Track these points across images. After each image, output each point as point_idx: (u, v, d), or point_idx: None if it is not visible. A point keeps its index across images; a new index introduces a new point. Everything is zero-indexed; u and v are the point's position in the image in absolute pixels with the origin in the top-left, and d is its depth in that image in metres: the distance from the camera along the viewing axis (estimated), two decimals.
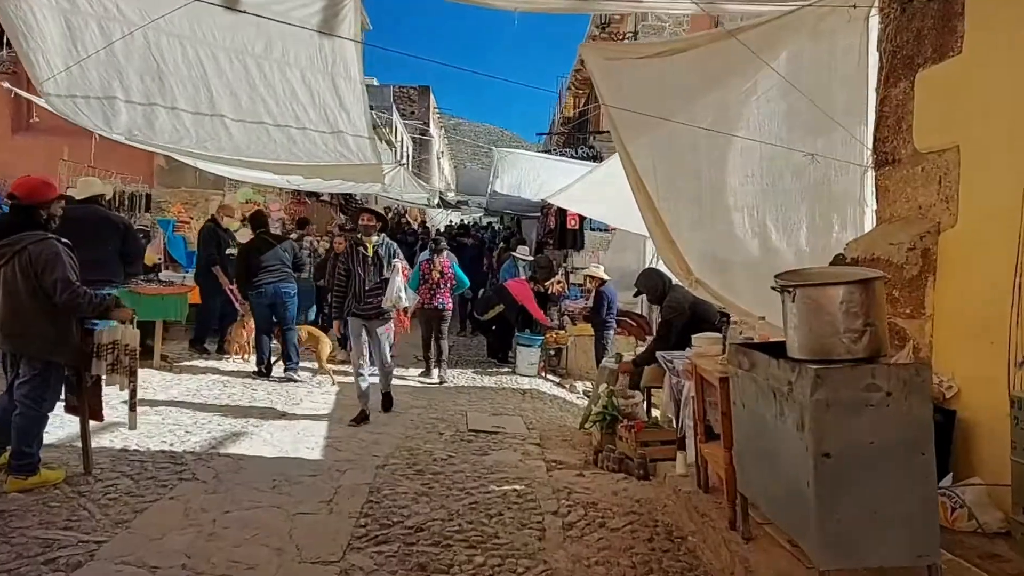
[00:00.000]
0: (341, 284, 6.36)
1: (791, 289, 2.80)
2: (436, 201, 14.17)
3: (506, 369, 9.95)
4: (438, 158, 41.60)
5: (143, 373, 7.37)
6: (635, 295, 6.41)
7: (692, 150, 4.94)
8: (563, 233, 12.89)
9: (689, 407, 4.44)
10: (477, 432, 6.16)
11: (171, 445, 5.01)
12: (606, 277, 9.30)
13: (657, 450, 5.14)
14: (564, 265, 12.50)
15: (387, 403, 6.72)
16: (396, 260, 6.33)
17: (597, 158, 12.62)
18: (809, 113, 4.87)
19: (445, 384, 8.95)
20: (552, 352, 10.59)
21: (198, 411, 6.10)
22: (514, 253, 11.63)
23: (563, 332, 10.65)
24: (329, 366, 7.96)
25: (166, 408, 6.12)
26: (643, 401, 5.94)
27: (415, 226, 22.54)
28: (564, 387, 9.76)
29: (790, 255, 4.89)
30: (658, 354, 5.06)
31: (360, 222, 6.63)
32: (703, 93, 5.00)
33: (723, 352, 4.24)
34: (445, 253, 9.45)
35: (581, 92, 20.55)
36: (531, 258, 11.95)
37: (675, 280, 5.32)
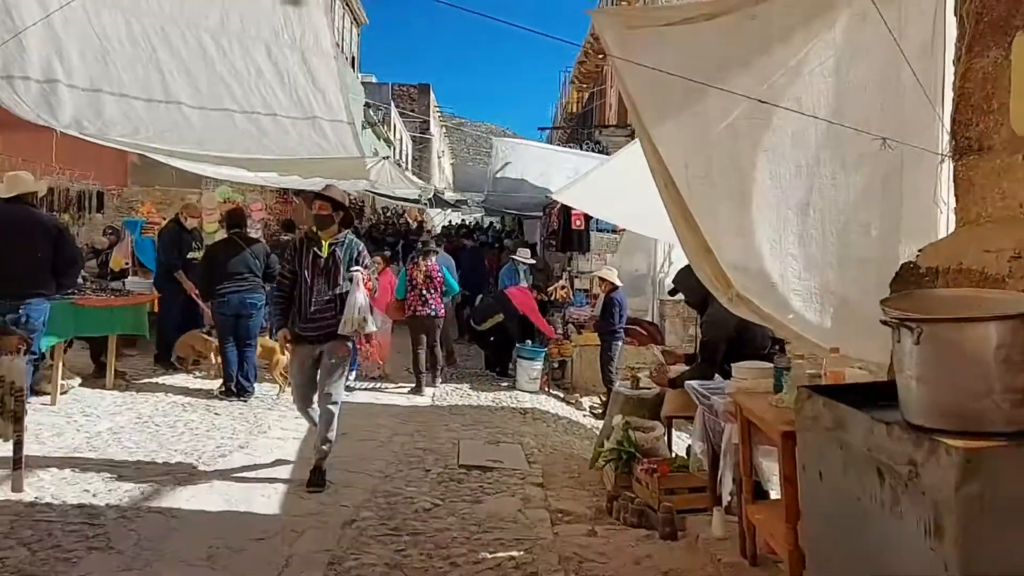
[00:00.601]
0: (284, 287, 4.81)
1: (914, 325, 1.90)
2: (428, 197, 13.27)
3: (505, 383, 9.08)
4: (439, 157, 40.75)
5: (92, 394, 6.53)
6: (671, 292, 5.37)
7: (730, 136, 4.04)
8: (567, 234, 11.98)
9: (730, 456, 3.55)
10: (470, 468, 5.27)
11: (94, 496, 4.11)
12: (618, 283, 8.39)
13: (685, 499, 4.26)
14: (568, 269, 11.59)
15: (316, 479, 4.58)
16: (356, 268, 4.70)
17: (604, 153, 11.74)
18: (875, 91, 3.99)
19: (435, 393, 8.14)
20: (555, 364, 9.72)
21: (142, 444, 5.21)
22: (514, 256, 10.74)
23: (568, 342, 9.77)
24: (282, 377, 7.15)
25: (105, 441, 5.22)
26: (664, 434, 5.06)
27: (412, 223, 21.61)
28: (569, 403, 8.89)
29: (853, 265, 4.01)
30: (689, 385, 4.15)
31: (312, 210, 4.90)
32: (742, 68, 4.10)
33: (775, 389, 3.35)
34: (433, 257, 8.59)
35: (585, 86, 19.67)
36: (532, 261, 11.07)
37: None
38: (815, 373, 2.99)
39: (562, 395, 9.14)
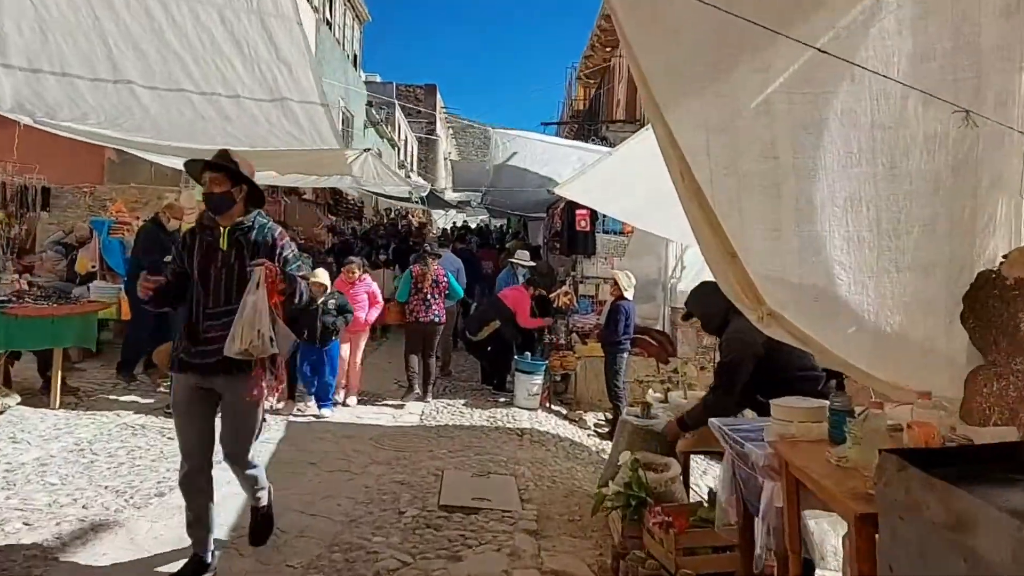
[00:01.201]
0: (168, 285, 3.32)
1: None
2: (420, 196, 12.56)
3: (503, 399, 8.32)
4: (445, 158, 40.04)
5: (33, 415, 5.80)
6: (684, 317, 4.56)
7: (765, 114, 3.26)
8: (572, 236, 11.20)
9: (771, 520, 2.77)
10: (451, 510, 4.51)
11: None
12: (628, 294, 7.59)
13: (708, 561, 3.48)
14: (572, 273, 10.81)
15: (261, 530, 3.66)
16: (260, 262, 3.18)
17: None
18: (946, 57, 3.22)
19: (424, 411, 7.41)
20: (558, 378, 8.95)
21: (69, 480, 4.46)
22: (512, 259, 9.97)
23: (571, 353, 8.99)
24: None
25: (27, 475, 4.47)
26: (680, 474, 4.27)
27: (413, 224, 20.86)
28: (572, 421, 8.11)
29: (915, 272, 3.24)
30: (713, 424, 3.37)
31: (205, 188, 3.30)
32: (786, 28, 3.34)
33: (832, 438, 2.58)
34: (439, 260, 7.93)
35: (592, 82, 18.90)
36: (532, 264, 10.32)
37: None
38: (896, 424, 2.21)
39: (564, 411, 8.37)
